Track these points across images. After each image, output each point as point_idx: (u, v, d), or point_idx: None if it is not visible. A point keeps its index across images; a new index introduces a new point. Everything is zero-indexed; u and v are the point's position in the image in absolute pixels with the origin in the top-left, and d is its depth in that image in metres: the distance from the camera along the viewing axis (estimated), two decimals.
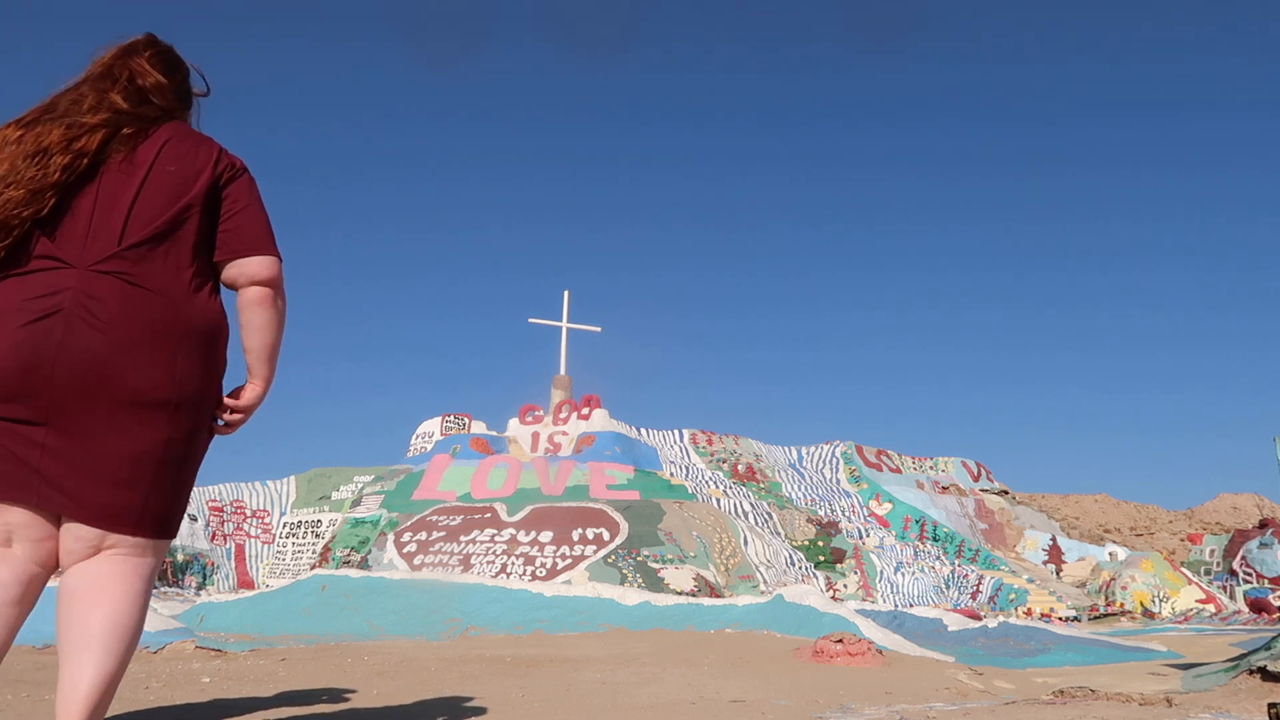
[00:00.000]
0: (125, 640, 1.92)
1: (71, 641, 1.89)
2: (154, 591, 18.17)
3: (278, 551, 23.29)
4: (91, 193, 2.03)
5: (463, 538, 19.67)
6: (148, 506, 1.98)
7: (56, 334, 1.92)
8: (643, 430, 27.33)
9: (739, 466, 27.12)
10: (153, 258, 2.03)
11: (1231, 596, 23.84)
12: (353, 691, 4.50)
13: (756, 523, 22.26)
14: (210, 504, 22.92)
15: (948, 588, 22.71)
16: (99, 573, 1.94)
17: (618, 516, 19.87)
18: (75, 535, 1.96)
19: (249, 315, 2.18)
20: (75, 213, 2.01)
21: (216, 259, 2.15)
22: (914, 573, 22.64)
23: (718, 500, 22.89)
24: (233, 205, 2.17)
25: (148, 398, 1.98)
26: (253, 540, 23.23)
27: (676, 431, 28.09)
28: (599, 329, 30.92)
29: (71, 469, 1.93)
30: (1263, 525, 27.02)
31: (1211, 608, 21.98)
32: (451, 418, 27.91)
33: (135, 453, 1.97)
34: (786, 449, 29.82)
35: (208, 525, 22.38)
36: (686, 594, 15.77)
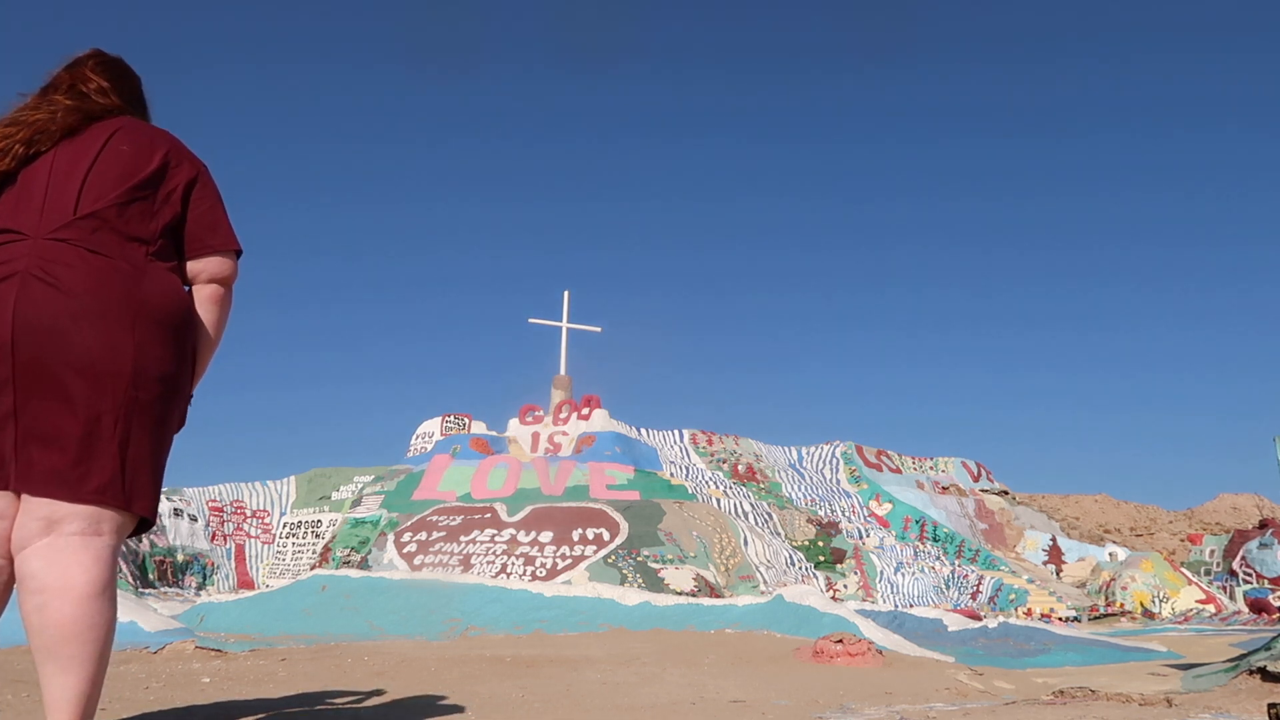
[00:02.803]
0: (99, 642, 1.87)
1: (45, 648, 1.84)
2: (154, 591, 18.18)
3: (278, 552, 23.29)
4: (44, 174, 2.05)
5: (463, 538, 19.67)
6: (97, 473, 1.92)
7: (12, 295, 1.90)
8: (643, 430, 27.33)
9: (739, 466, 27.12)
10: (108, 230, 2.03)
11: (1231, 597, 23.84)
12: (353, 692, 4.50)
13: (756, 523, 22.26)
14: (210, 504, 22.92)
15: (948, 588, 22.71)
16: (57, 561, 1.85)
17: (618, 516, 19.87)
18: (28, 510, 1.90)
19: (202, 310, 2.21)
20: (28, 191, 2.03)
21: (186, 253, 2.19)
22: (914, 573, 22.64)
23: (718, 500, 22.88)
24: (200, 202, 2.20)
25: (106, 364, 1.94)
26: (253, 540, 23.23)
27: (676, 432, 28.08)
28: (599, 329, 30.97)
29: (26, 438, 1.89)
30: (1263, 525, 27.01)
31: (1211, 608, 21.99)
32: (451, 418, 27.91)
33: (88, 420, 1.92)
34: (786, 449, 29.82)
35: (208, 525, 22.38)
36: (686, 594, 15.77)
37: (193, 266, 2.19)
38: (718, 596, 16.00)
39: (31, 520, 1.89)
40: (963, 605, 20.97)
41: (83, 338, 1.92)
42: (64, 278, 1.94)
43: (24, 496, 1.91)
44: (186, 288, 2.20)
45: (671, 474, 24.35)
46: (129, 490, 1.98)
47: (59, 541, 1.88)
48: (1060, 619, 19.66)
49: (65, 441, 1.90)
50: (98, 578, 1.88)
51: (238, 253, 2.26)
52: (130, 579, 17.50)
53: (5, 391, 1.89)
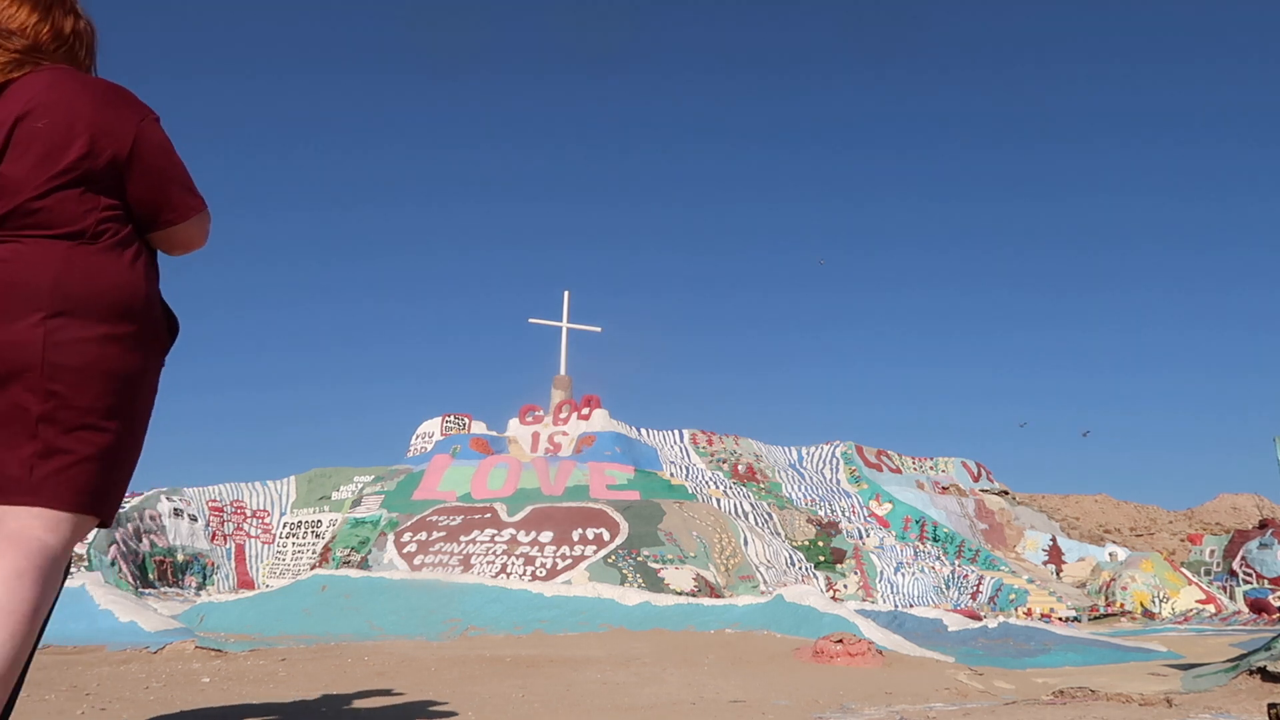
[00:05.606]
0: (6, 629, 1.66)
1: None
2: (154, 591, 18.17)
3: (278, 552, 23.28)
4: None
5: (463, 538, 19.67)
6: (29, 475, 1.78)
7: None
8: (643, 430, 27.33)
9: (739, 466, 27.12)
10: (24, 225, 1.83)
11: (1231, 597, 23.84)
12: (353, 692, 4.51)
13: (756, 523, 22.26)
14: (210, 504, 22.92)
15: (948, 588, 22.71)
16: None
17: (618, 516, 19.88)
18: None
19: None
20: None
21: (146, 233, 2.01)
22: (914, 573, 22.64)
23: (718, 500, 22.89)
24: (142, 173, 1.97)
25: (10, 362, 1.78)
26: (253, 540, 23.23)
27: (676, 431, 28.09)
28: (599, 329, 30.97)
29: None
30: (1263, 525, 27.01)
31: (1211, 608, 21.98)
32: (451, 418, 27.92)
33: (17, 420, 1.79)
34: (786, 449, 29.82)
35: (208, 525, 22.37)
36: (686, 594, 15.77)
37: (158, 243, 2.04)
38: (718, 596, 16.00)
39: None
40: (963, 605, 20.97)
41: (7, 330, 1.76)
42: None
43: None
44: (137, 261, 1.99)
45: (671, 474, 24.36)
46: (60, 492, 1.82)
47: None
48: (1060, 619, 19.65)
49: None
50: (20, 570, 1.71)
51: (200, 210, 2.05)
52: (130, 579, 17.50)
53: None
